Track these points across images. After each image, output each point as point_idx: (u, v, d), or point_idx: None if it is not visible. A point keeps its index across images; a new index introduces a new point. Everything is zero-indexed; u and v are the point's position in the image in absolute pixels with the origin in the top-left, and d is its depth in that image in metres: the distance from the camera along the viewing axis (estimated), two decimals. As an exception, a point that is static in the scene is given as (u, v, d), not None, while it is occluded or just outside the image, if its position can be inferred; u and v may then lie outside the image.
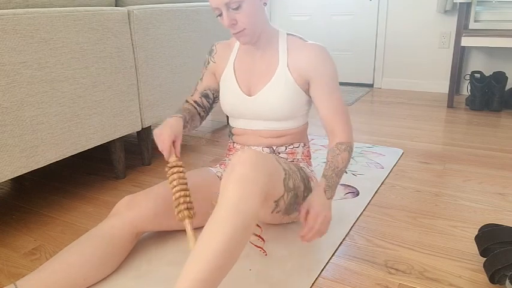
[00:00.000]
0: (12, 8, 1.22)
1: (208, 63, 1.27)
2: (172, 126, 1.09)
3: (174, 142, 1.09)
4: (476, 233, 1.09)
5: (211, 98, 1.31)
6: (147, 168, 1.77)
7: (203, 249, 0.80)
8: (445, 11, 2.88)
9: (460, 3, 2.44)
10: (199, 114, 1.30)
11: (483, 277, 1.02)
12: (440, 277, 1.02)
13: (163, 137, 1.07)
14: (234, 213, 0.82)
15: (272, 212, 1.07)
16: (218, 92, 1.29)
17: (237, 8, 1.02)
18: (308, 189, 1.15)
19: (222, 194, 0.87)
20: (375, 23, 3.19)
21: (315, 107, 1.17)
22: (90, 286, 1.00)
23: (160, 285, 1.01)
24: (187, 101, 1.32)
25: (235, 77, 1.20)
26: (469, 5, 2.72)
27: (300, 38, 1.17)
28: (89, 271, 0.97)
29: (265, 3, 1.09)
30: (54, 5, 1.35)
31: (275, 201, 1.03)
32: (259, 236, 1.21)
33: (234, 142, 1.29)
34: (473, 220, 1.28)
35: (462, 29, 2.47)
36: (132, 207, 1.07)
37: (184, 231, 1.22)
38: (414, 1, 2.99)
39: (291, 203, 1.09)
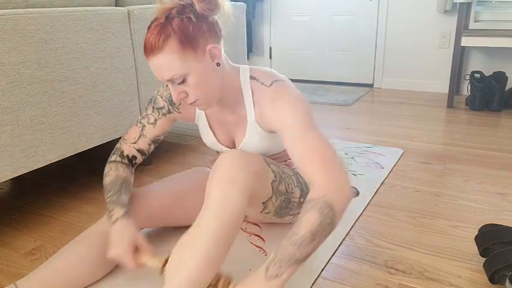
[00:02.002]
0: (12, 8, 1.22)
1: (170, 112, 1.10)
2: (123, 236, 0.94)
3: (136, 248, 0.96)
4: (476, 233, 1.09)
5: (159, 141, 1.17)
6: (147, 168, 1.77)
7: (191, 248, 0.81)
8: (445, 11, 2.88)
9: (460, 3, 2.44)
10: (134, 169, 1.15)
11: (483, 277, 1.02)
12: (440, 277, 1.02)
13: (122, 255, 0.93)
14: (218, 212, 0.83)
15: (261, 213, 1.06)
16: (167, 132, 1.17)
17: (182, 82, 0.89)
18: (306, 195, 1.14)
19: (207, 194, 0.87)
20: (375, 23, 3.19)
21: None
22: (89, 285, 1.00)
23: (160, 284, 1.01)
24: (120, 155, 1.12)
25: (213, 132, 1.11)
26: (469, 5, 2.72)
27: (262, 83, 0.99)
28: (86, 270, 0.97)
29: (219, 64, 0.92)
30: (54, 5, 1.35)
31: (263, 203, 1.01)
32: (259, 236, 1.21)
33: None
34: (473, 220, 1.28)
35: (462, 29, 2.47)
36: (131, 205, 1.07)
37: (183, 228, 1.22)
38: (414, 1, 2.99)
39: (282, 207, 1.07)
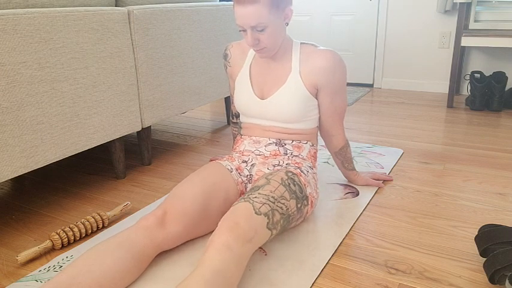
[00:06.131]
0: (12, 8, 1.23)
1: (226, 67, 1.38)
2: None
3: None
4: (476, 233, 1.09)
5: None
6: (147, 168, 1.77)
7: None
8: (445, 11, 2.88)
9: (460, 3, 2.44)
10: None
11: (483, 277, 1.02)
12: (440, 277, 1.02)
13: None
14: (210, 276, 0.83)
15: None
16: None
17: (261, 30, 1.10)
18: (304, 197, 1.15)
19: (203, 258, 0.88)
20: (375, 23, 3.19)
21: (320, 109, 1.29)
22: None
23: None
24: (233, 115, 1.53)
25: (250, 80, 1.28)
26: (469, 5, 2.72)
27: (312, 44, 1.25)
28: (115, 283, 0.94)
29: (287, 23, 1.17)
30: (54, 5, 1.35)
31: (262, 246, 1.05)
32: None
33: (242, 135, 1.36)
34: (473, 220, 1.28)
35: (462, 29, 2.47)
36: (163, 227, 1.06)
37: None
38: (414, 1, 2.99)
39: (284, 225, 1.09)
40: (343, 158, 1.43)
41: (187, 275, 0.88)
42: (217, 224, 1.19)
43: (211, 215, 1.15)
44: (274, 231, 1.04)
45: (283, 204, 1.07)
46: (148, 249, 1.02)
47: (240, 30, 1.14)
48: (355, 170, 1.49)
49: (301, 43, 1.26)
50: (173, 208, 1.09)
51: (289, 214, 1.10)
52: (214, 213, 1.16)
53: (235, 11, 1.10)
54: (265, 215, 1.01)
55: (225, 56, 1.37)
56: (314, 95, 1.26)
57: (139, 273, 1.01)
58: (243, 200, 1.03)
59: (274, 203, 1.04)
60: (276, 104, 1.24)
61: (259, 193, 1.04)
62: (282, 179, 1.12)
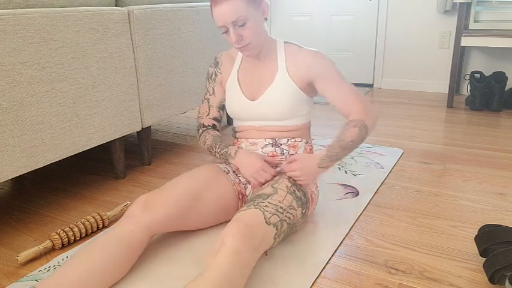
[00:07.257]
0: (12, 8, 1.23)
1: (216, 75, 1.35)
2: (254, 156, 1.22)
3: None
4: (476, 233, 1.09)
5: (224, 107, 1.38)
6: (147, 168, 1.77)
7: None
8: (445, 11, 2.88)
9: (460, 3, 2.44)
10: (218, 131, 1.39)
11: (483, 277, 1.02)
12: (440, 277, 1.02)
13: (264, 167, 1.20)
14: (218, 281, 0.85)
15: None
16: (224, 98, 1.37)
17: (242, 25, 1.11)
18: (307, 200, 1.17)
19: (210, 264, 0.89)
20: (375, 23, 3.19)
21: (330, 104, 1.23)
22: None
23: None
24: (204, 126, 1.35)
25: (239, 85, 1.28)
26: (469, 5, 2.72)
27: (296, 44, 1.25)
28: (106, 276, 0.96)
29: (266, 18, 1.18)
30: (54, 5, 1.35)
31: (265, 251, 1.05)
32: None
33: (238, 138, 1.35)
34: (473, 220, 1.28)
35: (462, 29, 2.47)
36: (148, 210, 1.07)
37: (193, 233, 1.22)
38: (414, 1, 2.99)
39: (288, 233, 1.10)
40: (339, 133, 1.17)
41: (195, 277, 0.88)
42: (211, 220, 1.20)
43: (204, 207, 1.16)
44: (278, 240, 1.05)
45: (291, 214, 1.08)
46: (136, 235, 1.02)
47: (223, 33, 1.15)
48: (326, 165, 1.16)
49: (284, 42, 1.26)
50: (159, 194, 1.11)
51: (295, 222, 1.11)
52: (207, 206, 1.16)
53: (214, 14, 1.11)
54: (275, 225, 1.02)
55: (216, 64, 1.35)
56: (304, 90, 1.24)
57: (133, 262, 1.03)
58: (253, 206, 1.03)
59: (282, 213, 1.05)
60: (266, 103, 1.24)
61: (269, 202, 1.05)
62: (287, 186, 1.12)
